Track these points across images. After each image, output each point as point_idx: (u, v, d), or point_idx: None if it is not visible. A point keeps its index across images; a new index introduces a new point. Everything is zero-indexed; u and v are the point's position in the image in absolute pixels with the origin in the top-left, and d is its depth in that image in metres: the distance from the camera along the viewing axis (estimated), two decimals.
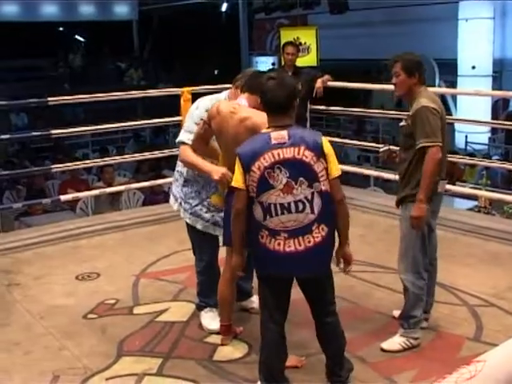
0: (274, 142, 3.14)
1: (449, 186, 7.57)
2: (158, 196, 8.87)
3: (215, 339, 4.06)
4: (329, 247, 3.26)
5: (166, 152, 7.60)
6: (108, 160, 8.16)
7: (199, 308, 4.28)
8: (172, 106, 7.21)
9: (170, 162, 11.45)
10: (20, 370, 3.80)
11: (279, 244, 3.18)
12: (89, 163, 7.99)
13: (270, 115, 3.26)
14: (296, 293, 3.41)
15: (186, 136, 3.97)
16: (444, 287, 4.79)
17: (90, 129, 7.52)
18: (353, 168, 8.48)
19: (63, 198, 6.95)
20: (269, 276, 3.30)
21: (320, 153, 3.14)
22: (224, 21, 22.57)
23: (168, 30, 23.32)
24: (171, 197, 4.29)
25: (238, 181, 3.23)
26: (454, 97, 15.61)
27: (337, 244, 3.37)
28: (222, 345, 3.96)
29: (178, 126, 7.41)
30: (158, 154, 7.57)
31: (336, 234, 3.32)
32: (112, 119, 8.33)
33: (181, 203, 4.15)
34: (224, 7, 21.68)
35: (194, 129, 3.93)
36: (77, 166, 7.79)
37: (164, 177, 9.68)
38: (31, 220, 8.05)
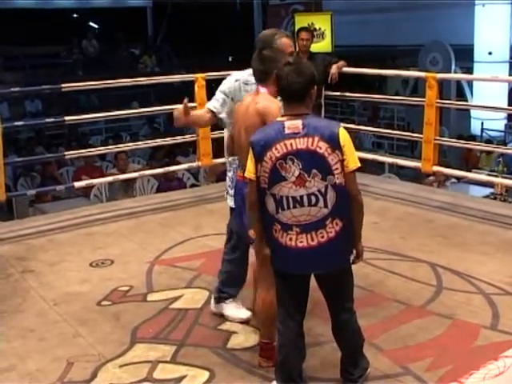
0: (287, 131, 3.02)
1: (465, 173, 7.57)
2: (172, 183, 8.88)
3: (229, 326, 4.05)
4: (343, 242, 3.11)
5: (180, 138, 7.59)
6: (122, 147, 8.15)
7: (220, 299, 4.15)
8: (186, 92, 7.18)
9: (183, 149, 11.49)
10: (34, 356, 3.81)
11: (291, 239, 3.07)
12: (102, 150, 7.97)
13: (286, 103, 3.14)
14: None
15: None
16: (459, 275, 4.76)
17: (104, 115, 7.52)
18: (367, 155, 8.43)
19: (77, 184, 6.95)
20: (283, 272, 3.21)
21: (336, 144, 3.00)
22: (238, 6, 22.45)
23: (182, 16, 23.23)
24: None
25: (249, 171, 3.11)
26: (469, 83, 15.47)
27: None
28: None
29: None
30: (172, 140, 7.56)
31: None
32: (126, 106, 8.33)
33: (227, 191, 4.03)
34: None
35: (218, 96, 3.91)
36: (90, 153, 7.79)
37: (178, 163, 9.68)
38: (45, 207, 8.08)
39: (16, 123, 6.98)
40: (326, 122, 3.13)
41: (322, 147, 2.99)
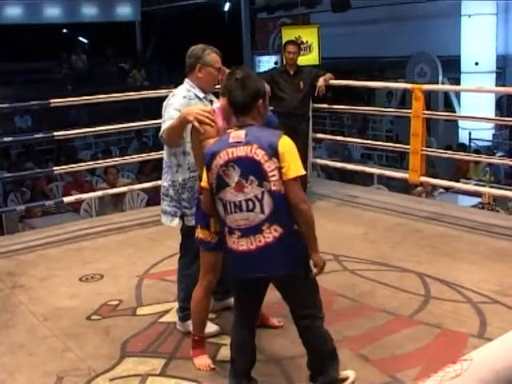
0: (231, 140, 3.18)
1: (452, 183, 7.62)
2: None
3: (218, 339, 4.05)
4: (284, 248, 3.15)
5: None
6: (111, 161, 8.15)
7: (186, 317, 4.10)
8: None
9: None
10: (24, 371, 3.81)
11: (234, 242, 3.21)
12: (91, 165, 7.97)
13: (234, 115, 3.33)
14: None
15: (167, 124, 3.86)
16: (448, 284, 4.79)
17: (93, 130, 7.50)
18: (356, 166, 8.49)
19: (66, 199, 6.95)
20: (231, 276, 3.36)
21: (273, 152, 3.09)
22: (226, 20, 22.57)
23: (171, 30, 23.31)
24: (164, 217, 4.07)
25: (204, 180, 3.33)
26: (457, 94, 15.58)
27: None
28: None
29: None
30: (160, 154, 7.55)
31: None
32: (115, 120, 8.34)
33: (183, 214, 3.99)
34: (226, 7, 21.68)
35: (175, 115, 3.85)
36: (79, 168, 7.78)
37: None
38: (35, 222, 8.07)
39: (5, 139, 6.99)
40: (268, 132, 3.23)
41: (259, 154, 3.11)
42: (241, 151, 3.14)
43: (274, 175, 3.10)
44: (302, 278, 3.25)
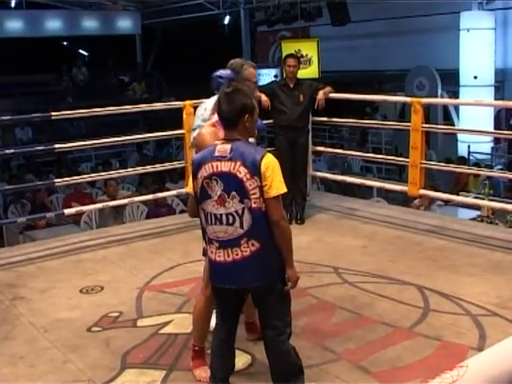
0: (216, 154, 3.23)
1: (451, 196, 7.64)
2: (161, 209, 8.90)
3: None
4: (260, 262, 3.22)
5: (169, 165, 7.64)
6: (111, 173, 8.17)
7: None
8: (175, 119, 7.24)
9: (173, 175, 11.53)
10: (24, 383, 3.80)
11: (212, 252, 3.30)
12: (91, 177, 7.99)
13: (222, 128, 3.39)
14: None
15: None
16: (447, 297, 4.80)
17: (93, 143, 7.52)
18: (355, 179, 8.51)
19: (67, 211, 6.96)
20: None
21: (255, 171, 3.14)
22: (226, 33, 22.67)
23: (171, 43, 23.42)
24: None
25: (189, 187, 3.41)
26: (456, 107, 15.64)
27: None
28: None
29: (181, 139, 7.48)
30: (161, 167, 7.60)
31: None
32: (116, 132, 8.36)
33: None
34: (226, 20, 21.79)
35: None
36: (79, 180, 7.80)
37: (167, 190, 9.71)
38: (35, 234, 8.09)
39: (7, 151, 7.01)
40: (253, 149, 3.26)
41: (242, 172, 3.16)
42: (225, 166, 3.19)
43: (254, 193, 3.15)
44: (272, 291, 3.30)
